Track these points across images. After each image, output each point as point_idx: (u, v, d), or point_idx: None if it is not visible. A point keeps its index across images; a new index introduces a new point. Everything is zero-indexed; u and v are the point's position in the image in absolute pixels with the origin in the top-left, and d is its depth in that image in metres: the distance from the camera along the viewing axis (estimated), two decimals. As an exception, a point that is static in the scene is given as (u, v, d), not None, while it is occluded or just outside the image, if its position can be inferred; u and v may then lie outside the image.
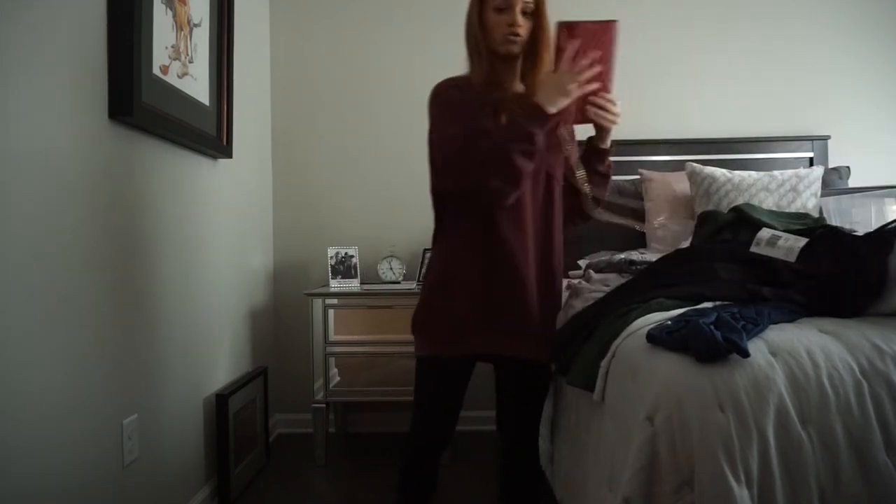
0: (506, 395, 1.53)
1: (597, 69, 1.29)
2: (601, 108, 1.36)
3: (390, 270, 2.81)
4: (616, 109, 1.38)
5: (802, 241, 1.35)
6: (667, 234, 2.45)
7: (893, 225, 1.27)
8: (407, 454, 1.51)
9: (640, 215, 2.51)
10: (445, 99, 1.44)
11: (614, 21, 1.25)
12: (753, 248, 1.40)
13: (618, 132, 2.98)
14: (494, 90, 1.42)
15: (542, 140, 1.33)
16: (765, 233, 1.42)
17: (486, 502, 1.56)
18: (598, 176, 1.52)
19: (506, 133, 1.32)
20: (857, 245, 1.26)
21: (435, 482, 1.52)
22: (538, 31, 1.41)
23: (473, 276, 1.41)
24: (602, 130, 1.45)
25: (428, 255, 2.60)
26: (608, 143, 1.48)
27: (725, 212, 1.90)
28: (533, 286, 1.43)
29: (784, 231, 1.44)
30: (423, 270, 1.50)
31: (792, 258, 1.33)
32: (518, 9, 1.37)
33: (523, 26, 1.39)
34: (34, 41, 1.30)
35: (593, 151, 1.50)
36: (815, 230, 1.42)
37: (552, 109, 1.30)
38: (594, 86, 1.33)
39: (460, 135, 1.35)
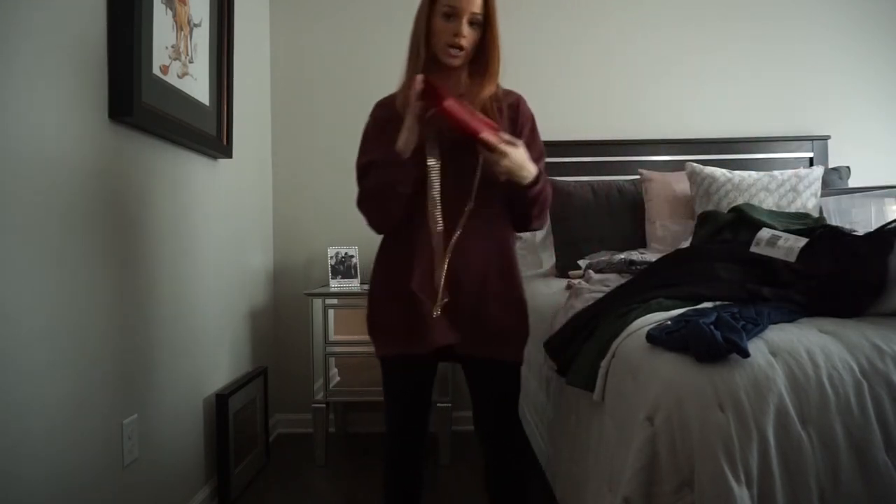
0: (474, 394, 1.51)
1: (434, 111, 1.28)
2: (485, 158, 1.32)
3: (390, 270, 2.81)
4: (492, 157, 1.29)
5: (802, 241, 1.35)
6: (667, 234, 2.45)
7: (893, 225, 1.27)
8: (385, 454, 1.54)
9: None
10: (369, 125, 1.49)
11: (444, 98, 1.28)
12: (753, 248, 1.40)
13: (618, 132, 3.03)
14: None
15: (404, 176, 1.33)
16: (765, 233, 1.42)
17: (484, 502, 1.56)
18: (520, 206, 1.42)
19: (377, 173, 1.36)
20: (857, 245, 1.27)
21: (419, 480, 1.53)
22: (487, 42, 1.38)
23: (398, 281, 1.42)
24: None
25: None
26: (522, 185, 1.35)
27: (725, 212, 1.91)
28: (463, 288, 1.37)
29: (784, 231, 1.44)
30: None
31: (792, 258, 1.33)
32: (465, 18, 1.33)
33: (468, 37, 1.35)
34: (34, 41, 1.31)
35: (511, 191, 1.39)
36: (815, 230, 1.42)
37: (405, 153, 1.31)
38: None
39: (358, 166, 1.45)
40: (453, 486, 2.36)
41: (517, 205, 1.43)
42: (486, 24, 1.37)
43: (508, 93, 1.49)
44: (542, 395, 1.80)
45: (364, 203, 1.42)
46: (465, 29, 1.34)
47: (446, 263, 1.35)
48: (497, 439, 1.49)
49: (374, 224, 1.44)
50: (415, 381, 1.50)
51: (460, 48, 1.35)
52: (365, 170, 1.43)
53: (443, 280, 1.35)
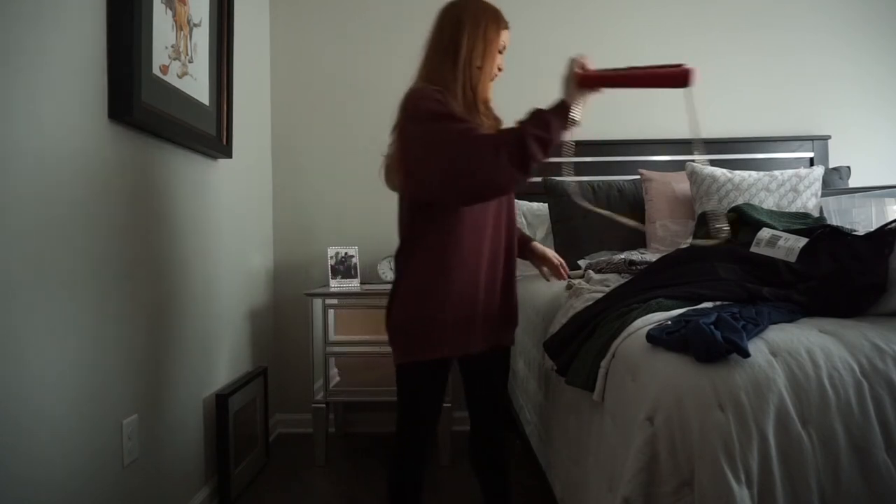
0: (475, 380, 1.60)
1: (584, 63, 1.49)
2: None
3: (390, 270, 2.81)
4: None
5: (802, 241, 1.35)
6: (667, 234, 2.45)
7: (893, 225, 1.27)
8: (400, 459, 1.52)
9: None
10: (439, 99, 1.39)
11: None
12: (753, 248, 1.40)
13: (618, 132, 3.02)
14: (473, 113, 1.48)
15: (559, 129, 1.38)
16: (765, 233, 1.42)
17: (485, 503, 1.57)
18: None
19: (526, 122, 1.36)
20: (858, 245, 1.27)
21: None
22: None
23: (444, 285, 1.44)
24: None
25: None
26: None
27: (725, 212, 1.91)
28: (494, 288, 1.52)
29: (784, 231, 1.44)
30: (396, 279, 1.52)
31: (792, 258, 1.33)
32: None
33: None
34: (34, 41, 1.30)
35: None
36: (816, 230, 1.42)
37: (568, 99, 1.43)
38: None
39: (472, 128, 1.33)
40: (453, 485, 2.36)
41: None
42: None
43: None
44: (541, 395, 1.80)
45: (491, 160, 1.28)
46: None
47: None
48: (495, 422, 1.62)
49: (478, 192, 1.34)
50: (440, 382, 1.54)
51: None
52: (466, 131, 1.32)
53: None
